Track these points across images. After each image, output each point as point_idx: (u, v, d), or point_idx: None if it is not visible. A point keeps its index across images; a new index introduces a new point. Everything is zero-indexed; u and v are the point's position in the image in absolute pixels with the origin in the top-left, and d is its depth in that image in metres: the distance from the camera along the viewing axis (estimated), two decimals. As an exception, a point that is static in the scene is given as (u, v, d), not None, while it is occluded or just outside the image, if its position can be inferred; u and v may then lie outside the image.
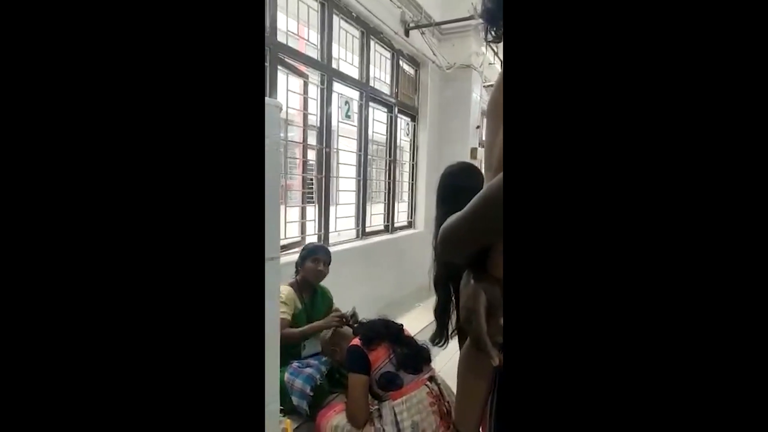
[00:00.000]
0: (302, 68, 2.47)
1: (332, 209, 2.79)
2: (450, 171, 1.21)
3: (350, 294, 2.01)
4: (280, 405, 1.59)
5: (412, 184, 3.90)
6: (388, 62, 3.41)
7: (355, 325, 1.72)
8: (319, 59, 2.59)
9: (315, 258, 1.86)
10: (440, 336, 1.18)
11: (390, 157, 3.48)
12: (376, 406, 1.50)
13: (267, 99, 0.95)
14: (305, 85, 2.53)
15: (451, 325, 1.17)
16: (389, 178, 3.50)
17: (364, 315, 2.11)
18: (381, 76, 3.32)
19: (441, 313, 1.15)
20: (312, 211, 2.70)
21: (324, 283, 1.98)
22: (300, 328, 1.75)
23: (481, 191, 0.57)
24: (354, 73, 2.95)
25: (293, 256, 2.02)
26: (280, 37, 2.24)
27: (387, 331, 1.59)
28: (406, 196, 3.91)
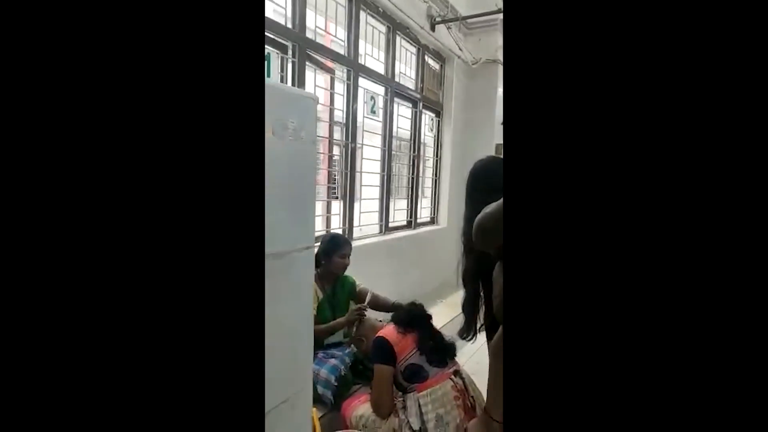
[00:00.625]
0: (329, 64, 2.50)
1: (356, 204, 2.81)
2: (481, 165, 1.20)
3: (372, 288, 2.02)
4: (306, 393, 1.63)
5: (436, 180, 3.89)
6: (414, 57, 3.41)
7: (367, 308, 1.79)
8: (346, 55, 2.60)
9: (342, 254, 1.90)
10: (468, 330, 1.17)
11: (414, 152, 3.48)
12: (401, 398, 1.51)
13: (302, 92, 0.97)
14: (332, 80, 2.56)
15: (479, 319, 1.16)
16: (413, 174, 3.50)
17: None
18: (406, 72, 3.31)
19: (469, 308, 1.15)
20: (336, 206, 2.73)
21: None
22: (326, 325, 1.78)
23: None
24: (380, 68, 2.96)
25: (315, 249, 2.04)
26: (308, 34, 2.27)
27: (422, 316, 1.65)
28: (429, 192, 3.90)
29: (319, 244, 1.95)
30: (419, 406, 1.44)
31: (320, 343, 1.81)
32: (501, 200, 0.57)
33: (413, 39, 3.28)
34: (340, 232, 2.66)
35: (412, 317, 1.61)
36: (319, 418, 1.55)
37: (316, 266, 1.92)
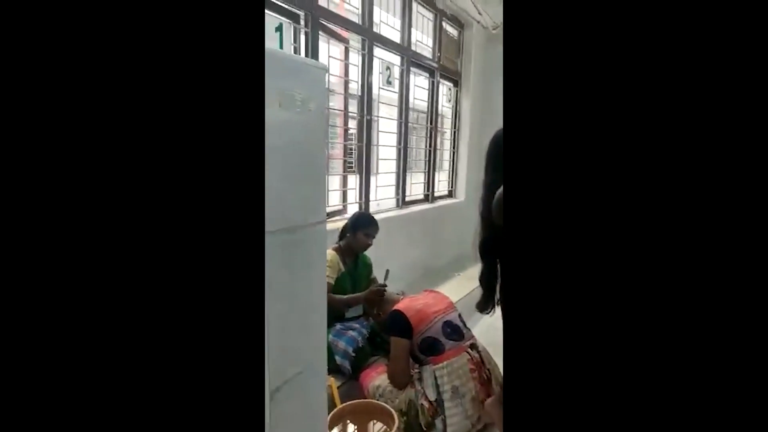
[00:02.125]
0: (343, 33, 2.42)
1: (372, 178, 2.78)
2: (502, 134, 1.16)
3: (389, 263, 2.03)
4: (325, 364, 1.67)
5: (453, 152, 3.80)
6: (431, 24, 3.27)
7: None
8: (360, 23, 2.52)
9: (368, 233, 1.92)
10: (486, 304, 1.16)
11: (431, 124, 3.40)
12: (417, 370, 1.53)
13: (311, 61, 0.94)
14: (346, 50, 2.49)
15: (497, 292, 1.15)
16: (430, 147, 3.43)
17: (402, 284, 2.14)
18: (423, 40, 3.19)
19: (487, 281, 1.13)
20: (353, 180, 2.71)
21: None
22: (344, 297, 1.81)
23: None
24: (396, 37, 2.86)
25: (333, 224, 2.05)
26: (321, 2, 2.19)
27: None
28: (446, 165, 3.83)
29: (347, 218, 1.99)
30: (435, 378, 1.46)
31: (340, 315, 1.84)
32: None
33: (430, 3, 3.14)
34: (356, 207, 2.65)
35: None
36: (338, 388, 1.59)
37: (340, 239, 1.97)
